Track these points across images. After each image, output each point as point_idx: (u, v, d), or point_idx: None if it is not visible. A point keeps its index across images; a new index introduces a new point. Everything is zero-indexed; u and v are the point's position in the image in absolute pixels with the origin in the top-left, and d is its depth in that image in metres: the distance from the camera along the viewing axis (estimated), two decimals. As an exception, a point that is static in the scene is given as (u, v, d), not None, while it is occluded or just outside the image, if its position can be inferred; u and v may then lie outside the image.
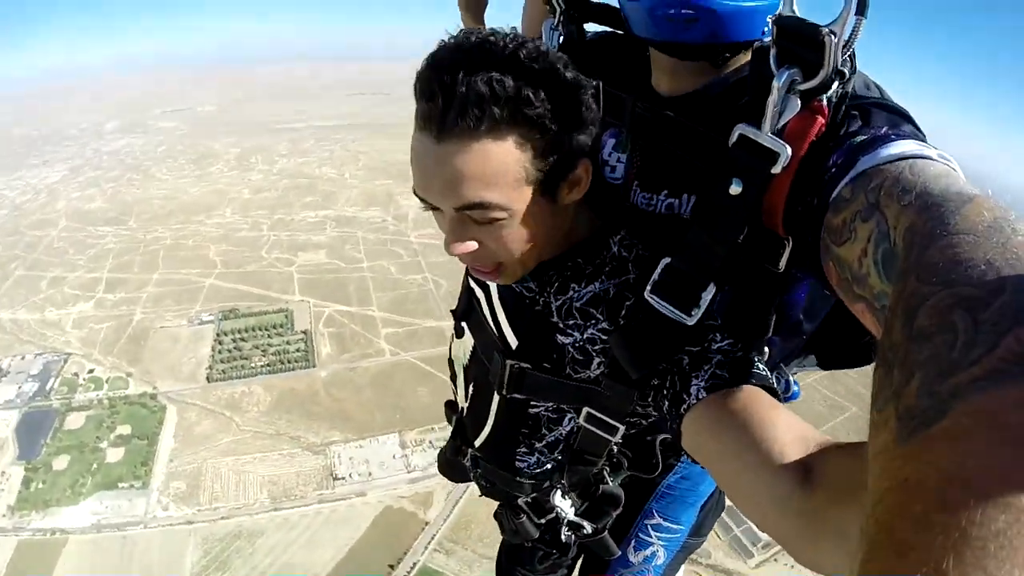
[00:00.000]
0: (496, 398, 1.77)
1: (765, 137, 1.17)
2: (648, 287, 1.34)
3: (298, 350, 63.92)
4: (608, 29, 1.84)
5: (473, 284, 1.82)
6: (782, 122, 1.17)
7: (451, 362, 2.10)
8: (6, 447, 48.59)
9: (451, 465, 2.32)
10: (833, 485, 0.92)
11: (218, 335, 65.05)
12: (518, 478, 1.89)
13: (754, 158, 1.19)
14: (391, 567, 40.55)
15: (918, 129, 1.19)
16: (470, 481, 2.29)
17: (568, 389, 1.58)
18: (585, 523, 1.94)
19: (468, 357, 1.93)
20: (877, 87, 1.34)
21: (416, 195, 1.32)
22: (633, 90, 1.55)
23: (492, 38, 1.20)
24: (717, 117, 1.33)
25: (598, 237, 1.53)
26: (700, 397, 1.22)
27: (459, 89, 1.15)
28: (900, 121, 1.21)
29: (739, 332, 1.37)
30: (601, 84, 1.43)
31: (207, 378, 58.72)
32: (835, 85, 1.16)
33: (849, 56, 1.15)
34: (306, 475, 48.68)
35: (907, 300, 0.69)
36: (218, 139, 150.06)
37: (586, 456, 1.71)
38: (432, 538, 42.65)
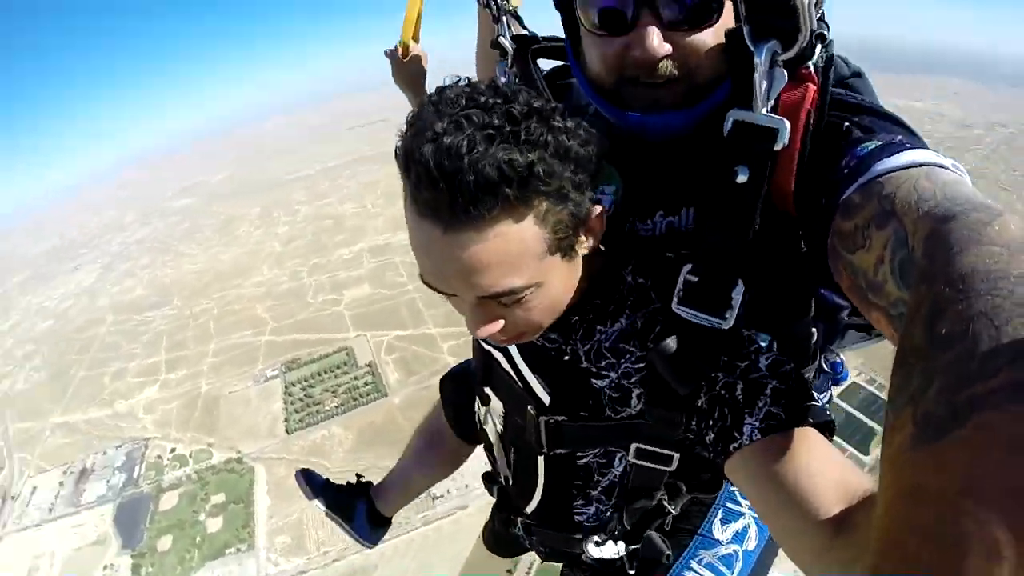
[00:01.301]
0: (541, 458, 1.68)
1: (760, 116, 1.15)
2: (675, 299, 1.28)
3: (366, 383, 63.67)
4: (561, 63, 1.76)
5: (487, 346, 1.72)
6: (772, 97, 1.15)
7: (483, 431, 1.97)
8: (108, 541, 48.77)
9: (500, 540, 2.43)
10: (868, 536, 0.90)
11: (286, 387, 65.00)
12: (577, 535, 1.79)
13: (754, 140, 1.16)
14: (509, 572, 39.23)
15: (919, 138, 1.17)
16: (523, 553, 2.40)
17: (611, 431, 1.49)
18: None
19: (502, 423, 1.79)
20: (858, 72, 1.37)
21: (425, 283, 1.24)
22: (599, 116, 1.46)
23: (480, 99, 1.09)
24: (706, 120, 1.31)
25: (610, 273, 1.46)
26: (754, 439, 1.17)
27: (466, 178, 1.01)
28: (902, 131, 1.18)
29: (780, 320, 1.36)
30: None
31: (286, 431, 58.59)
32: (818, 49, 1.16)
33: (820, 17, 1.14)
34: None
35: (931, 305, 0.69)
36: (236, 204, 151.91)
37: (643, 493, 1.62)
38: (546, 535, 41.61)
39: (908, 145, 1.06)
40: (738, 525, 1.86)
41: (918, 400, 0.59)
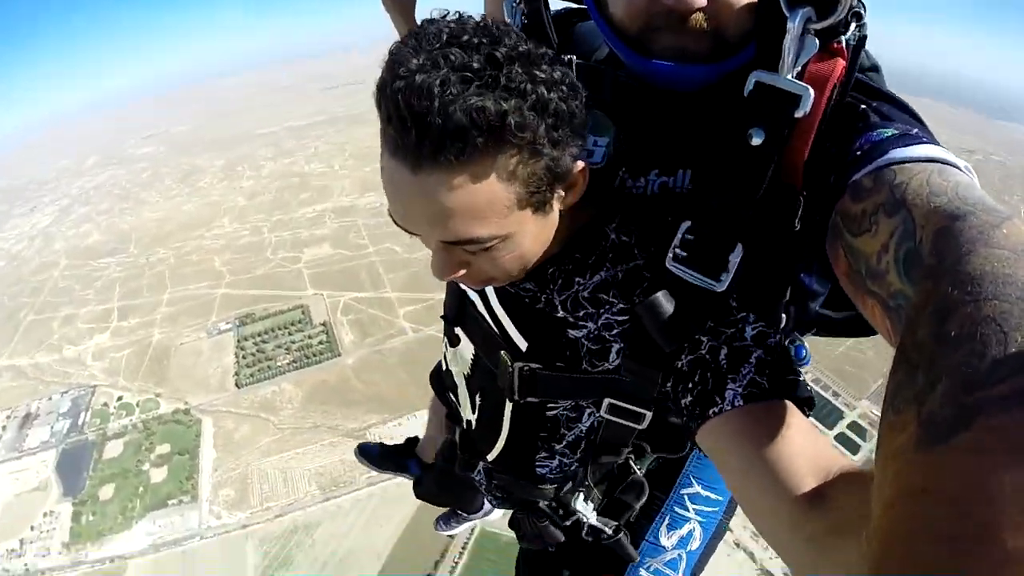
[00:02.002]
0: (509, 405, 1.64)
1: (784, 80, 1.10)
2: (669, 255, 1.25)
3: (321, 342, 63.79)
4: (573, 5, 1.67)
5: (463, 287, 1.65)
6: (800, 64, 1.11)
7: (448, 372, 1.94)
8: (50, 487, 48.69)
9: (447, 485, 2.45)
10: (843, 515, 0.92)
11: (239, 341, 64.97)
12: (540, 485, 1.79)
13: (775, 103, 1.12)
14: (450, 536, 39.93)
15: (933, 135, 1.15)
16: (464, 503, 2.62)
17: (586, 383, 1.46)
18: (607, 526, 1.84)
19: (470, 366, 1.75)
20: (876, 66, 1.35)
21: (393, 220, 1.22)
22: (610, 63, 1.43)
23: (463, 37, 1.04)
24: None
25: (593, 228, 1.41)
26: (736, 405, 1.14)
27: (435, 120, 0.99)
28: (919, 126, 1.16)
29: (757, 297, 1.29)
30: (575, 59, 1.33)
31: (236, 384, 58.72)
32: (852, 27, 1.12)
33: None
34: (352, 461, 46.61)
35: (937, 304, 0.69)
36: (200, 155, 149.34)
37: (610, 449, 1.62)
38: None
39: (924, 139, 1.05)
40: (683, 531, 1.88)
41: (923, 400, 0.60)
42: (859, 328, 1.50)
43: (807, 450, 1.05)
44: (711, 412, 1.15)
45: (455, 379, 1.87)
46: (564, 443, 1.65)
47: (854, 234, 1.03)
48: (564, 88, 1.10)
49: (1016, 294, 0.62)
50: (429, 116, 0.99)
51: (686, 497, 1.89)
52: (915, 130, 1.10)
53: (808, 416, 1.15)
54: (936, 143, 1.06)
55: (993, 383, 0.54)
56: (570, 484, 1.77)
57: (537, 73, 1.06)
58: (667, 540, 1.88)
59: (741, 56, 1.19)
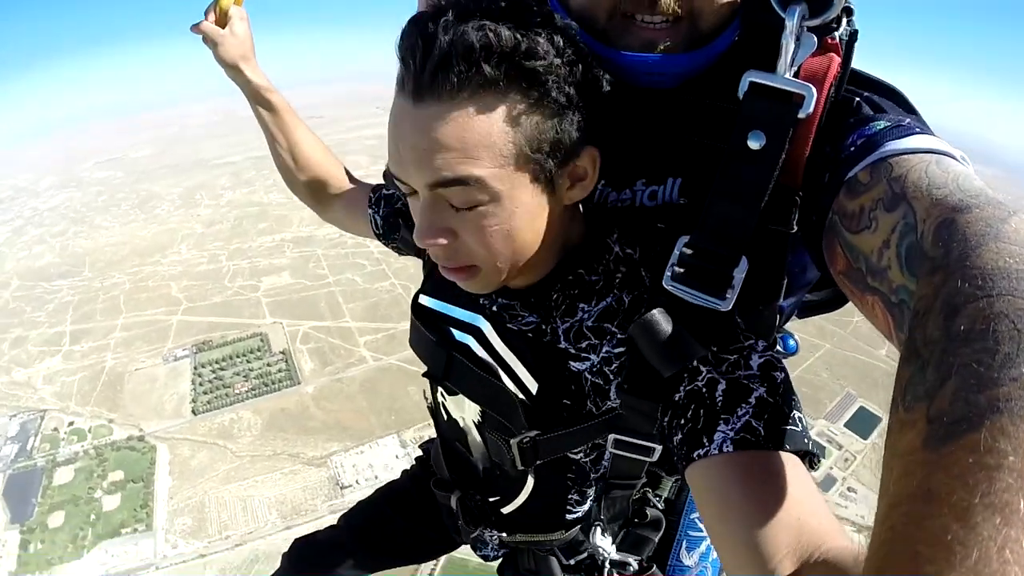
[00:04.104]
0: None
1: (784, 80, 1.05)
2: (667, 274, 1.15)
3: (280, 370, 63.26)
4: None
5: (458, 336, 1.47)
6: (799, 63, 1.07)
7: (451, 423, 1.70)
8: (-4, 514, 46.86)
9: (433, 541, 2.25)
10: None
11: (196, 368, 63.90)
12: (564, 531, 1.66)
13: (775, 104, 1.06)
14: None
15: (926, 124, 1.11)
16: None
17: (589, 429, 1.34)
18: (630, 558, 1.74)
19: (479, 412, 1.54)
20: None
21: (391, 176, 1.16)
22: None
23: None
24: (704, 78, 1.21)
25: (593, 239, 1.32)
26: (725, 450, 1.03)
27: (441, 39, 0.96)
28: (911, 116, 1.13)
29: (756, 301, 1.23)
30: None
31: (193, 411, 57.59)
32: (844, 22, 1.10)
33: None
34: (312, 489, 48.33)
35: (947, 298, 0.67)
36: (157, 181, 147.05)
37: (621, 483, 1.52)
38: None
39: (917, 129, 1.02)
40: (702, 548, 1.87)
41: (933, 396, 0.58)
42: (832, 304, 1.60)
43: (794, 522, 0.94)
44: (696, 455, 1.06)
45: (460, 427, 1.67)
46: (594, 485, 1.55)
47: (853, 231, 1.00)
48: (584, 50, 1.08)
49: None
50: (437, 39, 0.96)
51: (696, 519, 1.84)
52: (907, 120, 1.07)
53: (814, 470, 1.07)
54: (930, 132, 1.03)
55: (1008, 381, 0.53)
56: (585, 523, 1.66)
57: (558, 26, 1.04)
58: (689, 560, 1.87)
59: (717, 44, 1.17)
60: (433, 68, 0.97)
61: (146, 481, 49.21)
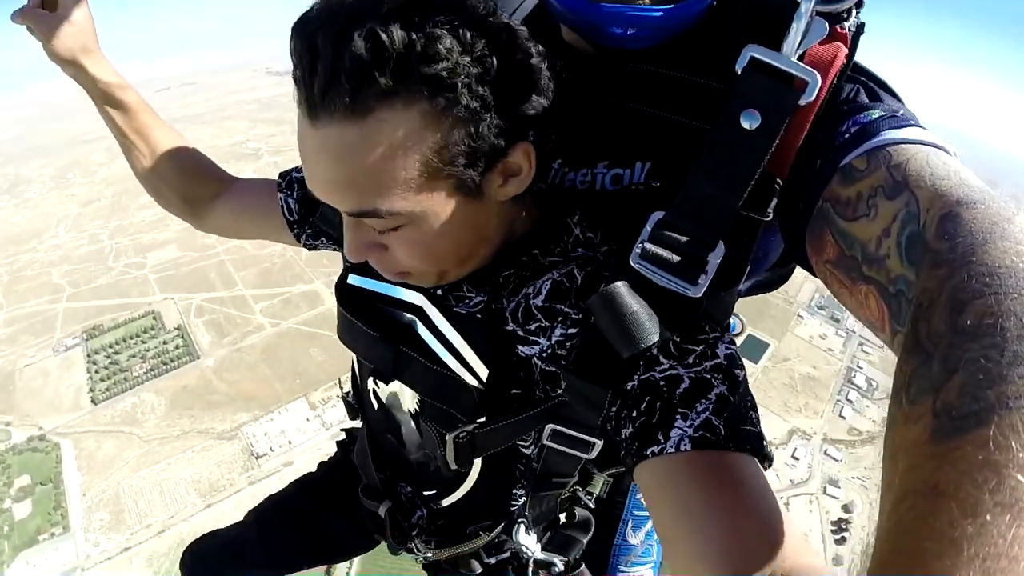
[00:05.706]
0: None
1: (790, 62, 0.97)
2: (636, 250, 1.05)
3: (177, 347, 62.61)
4: None
5: (398, 312, 1.36)
6: (806, 47, 1.00)
7: (381, 412, 1.54)
8: None
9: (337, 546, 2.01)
10: None
11: (89, 355, 62.45)
12: (496, 525, 1.58)
13: (776, 85, 0.99)
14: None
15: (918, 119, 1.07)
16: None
17: (530, 417, 1.23)
18: (556, 559, 1.67)
19: (417, 401, 1.41)
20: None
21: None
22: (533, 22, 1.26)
23: None
24: (684, 49, 1.14)
25: (553, 221, 1.23)
26: (683, 449, 0.93)
27: (327, 52, 0.85)
28: (904, 108, 1.06)
29: (712, 287, 1.10)
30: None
31: (92, 401, 56.72)
32: (854, 12, 1.06)
33: None
34: (227, 463, 48.76)
35: (953, 293, 0.66)
36: (25, 164, 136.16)
37: (554, 480, 1.42)
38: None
39: (912, 121, 0.97)
40: (647, 527, 1.84)
41: (939, 390, 0.57)
42: (774, 284, 1.54)
43: (751, 531, 0.83)
44: (649, 452, 0.94)
45: (394, 418, 1.51)
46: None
47: (848, 219, 0.93)
48: (502, 40, 0.94)
49: None
50: (322, 52, 0.85)
51: (641, 499, 1.76)
52: (901, 111, 1.00)
53: (766, 470, 0.96)
54: (923, 127, 0.98)
55: (1016, 378, 0.52)
56: (509, 519, 1.57)
57: (467, 15, 0.91)
58: (635, 539, 1.84)
59: (692, 3, 1.09)
60: (322, 87, 0.87)
61: (55, 482, 48.50)
